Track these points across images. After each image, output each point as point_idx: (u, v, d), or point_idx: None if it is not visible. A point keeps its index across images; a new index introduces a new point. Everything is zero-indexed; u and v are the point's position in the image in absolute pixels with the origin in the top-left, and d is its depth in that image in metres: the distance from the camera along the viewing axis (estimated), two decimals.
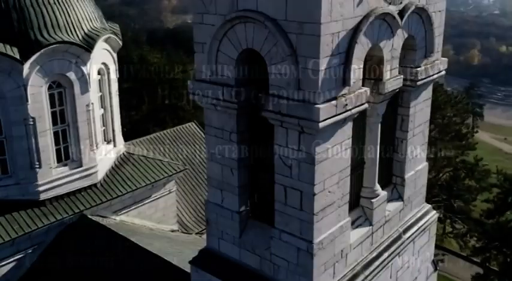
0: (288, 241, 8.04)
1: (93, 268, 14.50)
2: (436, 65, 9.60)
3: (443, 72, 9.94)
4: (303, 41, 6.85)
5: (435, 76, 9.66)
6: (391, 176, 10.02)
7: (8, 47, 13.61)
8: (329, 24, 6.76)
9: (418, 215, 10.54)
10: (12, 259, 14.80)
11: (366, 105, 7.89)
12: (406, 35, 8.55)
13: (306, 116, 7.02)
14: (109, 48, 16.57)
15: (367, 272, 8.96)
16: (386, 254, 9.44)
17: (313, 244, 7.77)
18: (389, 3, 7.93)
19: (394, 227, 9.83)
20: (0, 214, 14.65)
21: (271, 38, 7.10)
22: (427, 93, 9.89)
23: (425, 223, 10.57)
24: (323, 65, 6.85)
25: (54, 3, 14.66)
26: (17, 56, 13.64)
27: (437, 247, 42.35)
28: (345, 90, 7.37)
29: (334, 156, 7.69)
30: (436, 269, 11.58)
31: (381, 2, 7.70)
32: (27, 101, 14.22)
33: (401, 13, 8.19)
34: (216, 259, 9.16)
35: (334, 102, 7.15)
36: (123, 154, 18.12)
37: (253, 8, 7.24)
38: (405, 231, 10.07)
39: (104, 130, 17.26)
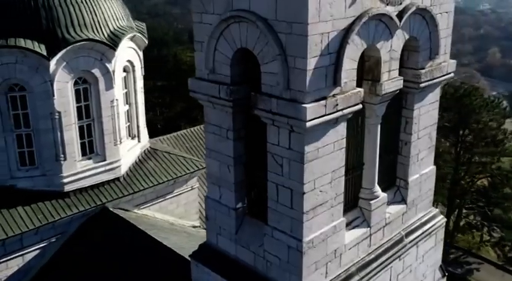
0: (279, 238, 8.14)
1: (110, 258, 15.01)
2: (443, 68, 9.47)
3: (451, 75, 9.80)
4: (292, 40, 6.95)
5: (441, 79, 9.53)
6: (395, 179, 9.94)
7: (36, 43, 14.22)
8: (317, 24, 6.82)
9: (424, 219, 10.41)
10: (36, 247, 15.41)
11: (360, 106, 7.90)
12: (407, 36, 8.49)
13: (294, 115, 7.10)
14: (135, 47, 17.04)
15: (362, 273, 8.94)
16: (385, 257, 9.39)
17: (303, 242, 7.83)
18: (387, 4, 7.90)
19: (395, 230, 9.76)
20: (26, 203, 15.27)
21: (262, 38, 7.22)
22: (433, 96, 9.76)
23: (431, 227, 10.43)
24: (311, 64, 6.91)
25: (82, 2, 15.21)
26: (44, 53, 14.22)
27: (474, 255, 41.32)
28: (336, 91, 7.41)
29: (325, 155, 7.74)
30: (444, 275, 11.40)
31: (376, 2, 7.69)
32: (53, 96, 14.80)
33: (400, 14, 8.14)
34: (214, 254, 9.35)
35: (323, 102, 7.20)
36: (148, 149, 18.57)
37: (247, 7, 7.38)
38: (408, 234, 9.98)
39: (129, 126, 17.74)
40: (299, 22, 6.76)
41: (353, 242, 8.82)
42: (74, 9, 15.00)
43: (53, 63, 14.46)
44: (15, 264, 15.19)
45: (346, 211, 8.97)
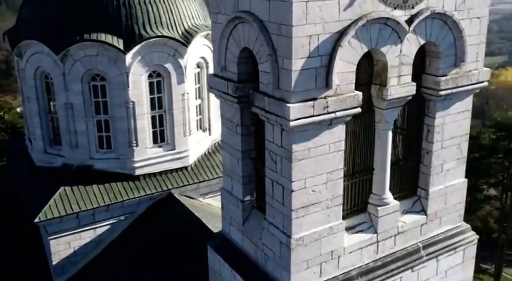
0: (273, 233, 8.41)
1: (166, 241, 16.11)
2: (472, 76, 9.03)
3: (483, 84, 9.29)
4: (280, 41, 7.20)
5: (470, 87, 9.08)
6: (416, 188, 9.67)
7: (114, 38, 15.69)
8: (303, 26, 6.99)
9: (450, 233, 9.97)
10: (106, 223, 16.99)
11: (358, 109, 7.88)
12: (422, 42, 8.27)
13: (281, 114, 7.35)
14: (209, 44, 17.97)
15: (364, 278, 8.88)
16: (394, 266, 9.20)
17: (291, 238, 8.03)
18: (394, 8, 7.79)
19: (411, 240, 9.49)
20: (100, 182, 16.90)
21: (259, 38, 7.55)
22: (462, 105, 9.33)
23: (456, 242, 9.97)
24: (297, 65, 7.11)
25: (160, 2, 16.46)
26: (121, 47, 15.65)
27: None
28: (328, 92, 7.50)
29: (319, 156, 7.85)
30: None
31: (379, 6, 7.63)
32: (128, 86, 16.21)
33: (412, 19, 7.97)
34: (226, 243, 9.83)
35: (311, 103, 7.35)
36: (218, 142, 19.48)
37: (248, 9, 7.75)
38: (427, 247, 9.65)
39: (200, 119, 18.78)
40: (285, 24, 7.00)
41: (355, 246, 8.79)
42: (152, 8, 16.28)
43: (128, 57, 15.85)
44: (87, 236, 16.88)
45: (352, 214, 8.98)
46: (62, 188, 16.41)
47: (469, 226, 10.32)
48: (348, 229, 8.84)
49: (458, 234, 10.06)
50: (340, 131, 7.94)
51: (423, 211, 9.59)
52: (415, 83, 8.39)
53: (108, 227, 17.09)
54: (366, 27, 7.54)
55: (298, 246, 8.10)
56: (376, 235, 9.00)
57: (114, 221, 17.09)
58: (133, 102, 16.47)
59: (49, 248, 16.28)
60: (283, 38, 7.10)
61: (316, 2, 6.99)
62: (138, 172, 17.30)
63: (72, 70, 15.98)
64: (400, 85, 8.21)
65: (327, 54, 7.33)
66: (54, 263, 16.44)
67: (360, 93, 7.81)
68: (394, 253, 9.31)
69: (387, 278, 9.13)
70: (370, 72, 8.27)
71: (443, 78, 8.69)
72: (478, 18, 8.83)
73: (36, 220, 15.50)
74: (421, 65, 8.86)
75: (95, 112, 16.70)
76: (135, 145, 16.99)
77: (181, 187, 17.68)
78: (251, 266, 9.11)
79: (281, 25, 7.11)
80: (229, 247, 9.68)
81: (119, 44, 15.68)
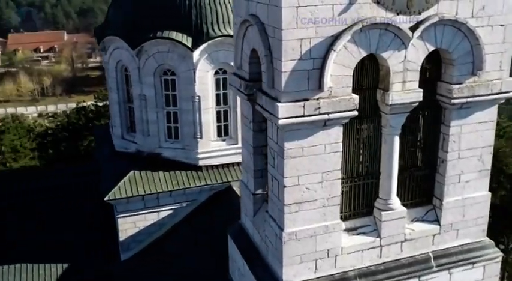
0: (272, 226, 8.83)
1: (224, 230, 17.01)
2: (493, 85, 8.72)
3: (508, 95, 8.89)
4: (274, 43, 7.61)
5: (490, 97, 8.77)
6: (432, 197, 9.51)
7: (184, 36, 16.85)
8: (294, 30, 7.34)
9: (467, 247, 9.67)
10: (169, 208, 18.27)
11: (355, 113, 8.03)
12: (431, 48, 8.20)
13: (273, 112, 7.76)
14: None
15: (363, 280, 8.96)
16: (397, 272, 9.17)
17: (284, 232, 8.40)
18: (397, 14, 7.83)
19: (420, 249, 9.38)
20: (166, 169, 18.20)
21: (261, 40, 8.01)
22: (484, 115, 9.02)
23: (474, 257, 9.64)
24: (286, 67, 7.48)
25: (229, 2, 17.34)
26: (189, 45, 16.77)
27: None
28: (321, 94, 7.76)
29: (313, 155, 8.14)
30: None
31: (379, 11, 7.71)
32: (195, 82, 17.31)
33: (417, 25, 7.95)
34: (242, 232, 10.41)
35: (301, 103, 7.67)
36: None
37: (254, 12, 8.24)
38: (439, 257, 9.46)
39: None
40: (277, 27, 7.40)
41: (354, 248, 8.92)
42: (221, 9, 17.22)
43: (196, 54, 16.92)
44: (151, 218, 18.28)
45: (355, 216, 9.11)
46: (132, 171, 17.93)
47: (492, 242, 9.90)
48: (348, 230, 8.98)
49: (477, 249, 9.71)
50: (336, 132, 8.15)
51: (437, 221, 9.41)
52: (421, 90, 8.33)
53: (171, 211, 18.34)
54: (364, 33, 7.68)
55: (290, 240, 8.44)
56: (379, 239, 9.04)
57: (177, 206, 18.29)
58: (199, 96, 17.52)
59: (117, 226, 17.90)
60: (276, 40, 7.51)
61: (308, 7, 7.30)
62: (201, 163, 18.34)
63: (146, 64, 17.40)
64: (404, 91, 8.21)
65: (319, 58, 7.60)
66: (121, 239, 18.05)
67: (356, 97, 7.96)
68: (399, 259, 9.26)
69: None
70: (376, 77, 8.36)
71: (457, 86, 8.51)
72: (502, 25, 8.51)
73: (106, 198, 17.16)
74: (437, 72, 8.74)
75: (165, 104, 17.99)
76: (199, 137, 18.05)
77: (239, 180, 18.43)
78: (258, 257, 9.59)
79: (275, 28, 7.52)
80: (243, 236, 10.24)
81: (188, 42, 16.79)
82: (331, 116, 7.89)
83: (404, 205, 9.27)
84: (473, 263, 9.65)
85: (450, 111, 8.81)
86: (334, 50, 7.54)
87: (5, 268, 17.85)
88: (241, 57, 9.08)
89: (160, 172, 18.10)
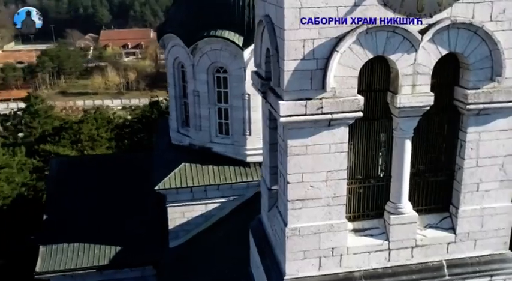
0: (279, 220, 9.07)
1: None
2: None
3: None
4: (280, 43, 7.85)
5: (510, 105, 8.43)
6: (449, 204, 9.30)
7: (236, 35, 17.37)
8: (296, 30, 7.53)
9: (486, 259, 9.34)
10: (217, 201, 18.94)
11: (360, 114, 8.07)
12: (444, 52, 8.05)
13: (276, 109, 8.01)
14: None
15: None
16: (406, 277, 9.07)
17: (287, 227, 8.62)
18: (407, 16, 7.77)
19: (433, 256, 9.20)
20: (215, 163, 18.86)
21: (271, 40, 8.27)
22: (505, 123, 8.70)
23: (492, 269, 9.30)
24: (289, 66, 7.68)
25: None
26: (240, 44, 17.27)
27: None
28: (325, 94, 7.89)
29: (317, 154, 8.28)
30: None
31: (387, 13, 7.69)
32: (245, 80, 17.80)
33: (428, 28, 7.84)
34: (259, 226, 10.72)
35: (303, 102, 7.84)
36: None
37: (268, 13, 8.51)
38: (452, 266, 9.23)
39: None
40: (281, 27, 7.64)
41: (361, 249, 8.94)
42: None
43: (246, 52, 17.39)
44: (199, 209, 19.06)
45: (364, 217, 9.12)
46: (183, 164, 18.77)
47: None
48: (356, 230, 9.02)
49: (497, 261, 9.35)
50: (342, 133, 8.23)
51: (452, 229, 9.19)
52: (432, 94, 8.20)
53: (218, 204, 19.00)
54: (370, 34, 7.71)
55: (293, 236, 8.64)
56: (387, 242, 8.99)
57: (224, 200, 18.90)
58: (249, 94, 17.99)
59: (167, 215, 18.82)
60: (281, 40, 7.75)
61: (311, 9, 7.47)
62: (249, 159, 18.81)
63: (200, 62, 18.14)
64: (413, 94, 8.13)
65: (323, 58, 7.73)
66: (170, 228, 18.98)
67: (361, 98, 8.00)
68: (409, 265, 9.15)
69: None
70: (387, 79, 8.35)
71: (473, 91, 8.28)
72: None
73: (156, 188, 18.13)
74: (455, 76, 8.56)
75: (217, 101, 18.65)
76: (248, 134, 18.54)
77: None
78: (269, 250, 9.85)
79: (280, 29, 7.76)
80: (260, 230, 10.54)
81: (239, 40, 17.30)
82: (335, 116, 7.99)
83: (418, 210, 9.14)
84: (492, 275, 9.31)
85: (468, 117, 8.58)
86: (338, 51, 7.65)
87: (65, 245, 19.37)
88: (260, 56, 9.38)
89: (210, 166, 18.78)
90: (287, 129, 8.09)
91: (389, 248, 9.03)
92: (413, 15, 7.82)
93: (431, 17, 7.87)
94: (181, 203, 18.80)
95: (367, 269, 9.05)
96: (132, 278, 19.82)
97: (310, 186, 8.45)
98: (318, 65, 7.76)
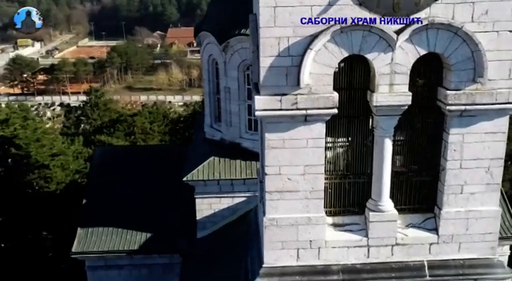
0: (261, 210, 9.44)
1: None
2: (498, 94, 8.28)
3: None
4: (259, 40, 8.21)
5: (496, 107, 8.33)
6: (434, 205, 9.30)
7: None
8: (272, 28, 7.86)
9: (470, 263, 9.25)
10: (243, 195, 19.46)
11: (334, 111, 8.27)
12: (422, 52, 8.10)
13: (254, 104, 8.39)
14: None
15: (346, 277, 9.13)
16: (385, 274, 9.16)
17: (265, 217, 8.97)
18: (383, 16, 7.89)
19: (414, 255, 9.23)
20: (243, 159, 19.36)
21: (252, 37, 8.65)
22: (491, 125, 8.58)
23: (476, 274, 9.20)
24: (265, 63, 8.03)
25: None
26: None
27: None
28: (300, 91, 8.17)
29: (295, 148, 8.56)
30: None
31: (362, 13, 7.83)
32: None
33: (404, 28, 7.93)
34: (254, 218, 11.12)
35: (278, 97, 8.16)
36: None
37: (255, 11, 8.87)
38: (434, 267, 9.21)
39: None
40: (258, 25, 8.00)
41: (339, 243, 9.12)
42: None
43: None
44: (226, 202, 19.67)
45: (345, 213, 9.30)
46: (212, 157, 19.44)
47: (502, 261, 9.31)
48: (335, 225, 9.21)
49: (483, 266, 9.22)
50: (319, 128, 8.46)
51: (435, 230, 9.18)
52: (410, 93, 8.26)
53: (244, 198, 19.51)
54: (346, 33, 7.91)
55: (271, 226, 8.97)
56: (367, 239, 9.12)
57: (250, 194, 19.35)
58: None
59: (195, 205, 19.57)
60: (258, 37, 8.12)
61: (286, 8, 7.78)
62: None
63: (231, 59, 18.70)
64: (391, 93, 8.24)
65: (298, 56, 8.01)
66: (197, 218, 19.71)
67: (335, 95, 8.21)
68: (389, 262, 9.23)
69: None
70: (367, 78, 8.51)
71: (453, 92, 8.26)
72: (511, 31, 8.04)
73: (184, 179, 18.91)
74: (439, 77, 8.58)
75: (247, 97, 19.12)
76: None
77: None
78: (256, 240, 10.23)
79: (258, 26, 8.13)
80: (253, 221, 10.94)
81: None
82: (310, 112, 8.24)
83: (401, 209, 9.20)
84: (475, 279, 9.21)
85: (450, 118, 8.55)
86: (312, 49, 7.90)
87: (100, 229, 20.55)
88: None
89: (238, 161, 19.30)
90: (265, 123, 8.45)
91: (368, 245, 9.16)
92: (390, 15, 7.93)
93: (408, 17, 7.94)
94: (209, 195, 19.47)
95: (346, 264, 9.22)
96: (160, 265, 20.74)
97: (288, 179, 8.75)
98: (293, 62, 8.06)
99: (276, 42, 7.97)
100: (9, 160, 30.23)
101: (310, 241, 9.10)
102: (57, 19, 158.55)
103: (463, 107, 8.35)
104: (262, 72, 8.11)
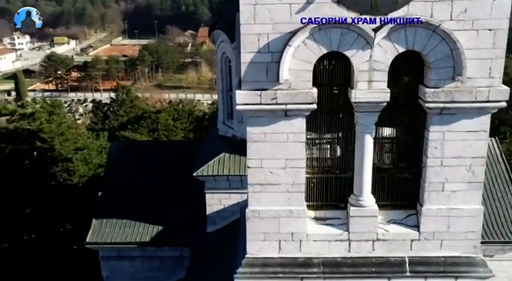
0: (247, 203, 9.70)
1: None
2: (478, 93, 8.32)
3: (498, 104, 8.37)
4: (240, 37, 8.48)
5: (476, 105, 8.37)
6: (416, 203, 9.38)
7: None
8: (252, 25, 8.12)
9: (452, 260, 9.30)
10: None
11: (313, 106, 8.47)
12: (400, 49, 8.21)
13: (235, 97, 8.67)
14: None
15: (326, 269, 9.31)
16: (365, 269, 9.30)
17: (247, 209, 9.24)
18: (361, 14, 8.04)
19: (395, 251, 9.33)
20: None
21: (237, 34, 8.90)
22: (472, 124, 8.61)
23: (457, 271, 9.25)
24: (245, 58, 8.28)
25: None
26: None
27: None
28: (280, 86, 8.40)
29: (276, 142, 8.80)
30: None
31: (341, 11, 8.01)
32: None
33: (381, 26, 8.06)
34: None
35: (258, 92, 8.41)
36: None
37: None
38: (415, 264, 9.30)
39: None
40: (239, 22, 8.27)
41: (320, 237, 9.30)
42: None
43: None
44: (235, 198, 19.97)
45: (327, 207, 9.48)
46: (223, 154, 19.79)
47: (484, 260, 9.31)
48: (317, 218, 9.40)
49: (465, 264, 9.25)
50: (299, 123, 8.67)
51: (416, 226, 9.26)
52: (389, 90, 8.38)
53: None
54: (324, 31, 8.10)
55: (254, 217, 9.23)
56: (347, 233, 9.27)
57: None
58: None
59: (205, 200, 19.98)
60: (240, 34, 8.39)
61: (266, 5, 8.03)
62: None
63: None
64: (369, 90, 8.38)
65: (278, 52, 8.24)
66: (207, 213, 20.12)
67: (315, 91, 8.40)
68: (370, 257, 9.36)
69: (355, 278, 9.29)
70: (348, 74, 8.67)
71: (432, 90, 8.34)
72: (491, 30, 8.08)
73: (194, 174, 19.33)
74: (421, 75, 8.68)
75: None
76: None
77: None
78: (244, 232, 10.48)
79: (239, 23, 8.40)
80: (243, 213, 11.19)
81: None
82: (289, 107, 8.46)
83: (383, 205, 9.33)
84: (457, 277, 9.25)
85: (431, 116, 8.63)
86: (291, 46, 8.12)
87: (114, 221, 21.18)
88: None
89: None
90: (247, 117, 8.71)
91: (349, 239, 9.31)
92: (368, 14, 8.07)
93: (386, 15, 8.07)
94: (219, 191, 19.82)
95: (327, 257, 9.39)
96: (171, 257, 21.21)
97: (270, 172, 8.99)
98: (273, 58, 8.29)
99: (256, 39, 8.22)
100: (35, 152, 31.31)
101: (292, 233, 9.31)
102: (92, 18, 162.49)
103: (441, 105, 8.42)
104: (243, 68, 8.37)
